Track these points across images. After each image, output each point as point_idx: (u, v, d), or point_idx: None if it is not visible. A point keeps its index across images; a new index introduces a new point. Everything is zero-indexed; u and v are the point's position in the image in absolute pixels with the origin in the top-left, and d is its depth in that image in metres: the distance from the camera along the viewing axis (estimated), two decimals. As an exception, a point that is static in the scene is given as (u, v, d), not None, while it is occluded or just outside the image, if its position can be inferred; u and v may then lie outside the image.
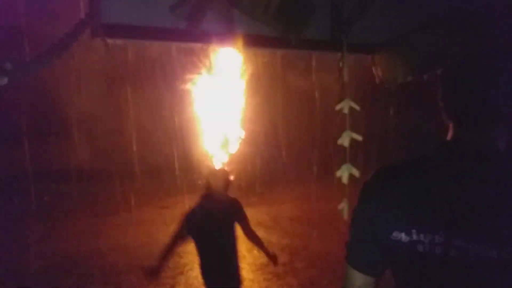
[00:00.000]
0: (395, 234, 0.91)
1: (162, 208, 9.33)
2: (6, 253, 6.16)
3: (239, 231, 2.98)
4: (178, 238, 2.89)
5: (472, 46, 1.35)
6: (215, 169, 3.24)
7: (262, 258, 5.70)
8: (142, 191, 9.80)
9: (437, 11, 1.57)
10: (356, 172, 1.72)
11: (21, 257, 6.02)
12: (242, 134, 11.18)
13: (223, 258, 2.85)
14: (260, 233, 7.20)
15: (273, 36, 1.60)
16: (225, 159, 11.14)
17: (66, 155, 11.65)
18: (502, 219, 0.80)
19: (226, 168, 3.16)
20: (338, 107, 1.73)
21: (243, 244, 6.79)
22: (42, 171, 10.13)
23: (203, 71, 10.61)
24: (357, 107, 1.72)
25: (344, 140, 1.72)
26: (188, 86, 10.76)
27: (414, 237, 0.88)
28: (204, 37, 1.55)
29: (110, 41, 1.54)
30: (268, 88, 12.10)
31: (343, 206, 1.75)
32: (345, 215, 1.73)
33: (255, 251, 6.09)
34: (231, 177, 3.02)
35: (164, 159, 11.79)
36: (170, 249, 2.87)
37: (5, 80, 1.49)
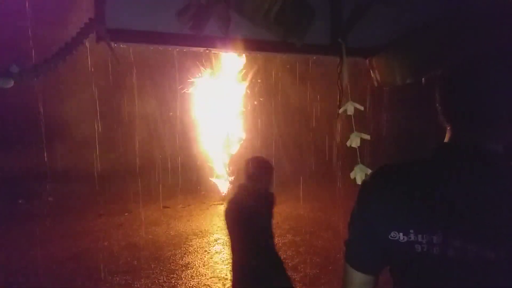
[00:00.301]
0: (393, 234, 0.92)
1: (164, 208, 9.35)
2: (9, 253, 6.20)
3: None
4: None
5: (469, 48, 1.35)
6: (261, 159, 2.70)
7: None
8: (144, 191, 9.83)
9: (434, 14, 1.59)
10: (369, 172, 1.71)
11: (23, 257, 6.06)
12: (243, 135, 11.22)
13: (259, 256, 2.55)
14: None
15: (274, 40, 1.63)
16: (226, 159, 11.18)
17: (69, 155, 11.69)
18: (500, 220, 0.81)
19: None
20: (341, 110, 1.75)
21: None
22: (46, 172, 10.15)
23: (206, 74, 10.68)
24: (361, 108, 1.72)
25: (353, 142, 1.73)
26: (191, 88, 10.82)
27: (412, 237, 0.89)
28: (207, 42, 1.59)
29: (114, 45, 1.57)
30: (268, 90, 12.14)
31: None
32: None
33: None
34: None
35: (166, 160, 11.81)
36: None
37: (11, 83, 1.53)
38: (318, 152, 12.71)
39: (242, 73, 10.61)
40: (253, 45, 1.65)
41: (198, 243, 6.58)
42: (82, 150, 11.46)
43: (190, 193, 10.85)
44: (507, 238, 0.79)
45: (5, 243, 6.74)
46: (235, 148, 11.16)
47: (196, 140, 11.31)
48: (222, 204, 9.75)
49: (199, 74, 10.67)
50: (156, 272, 5.36)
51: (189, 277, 5.21)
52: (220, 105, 10.79)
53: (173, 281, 5.07)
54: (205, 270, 5.43)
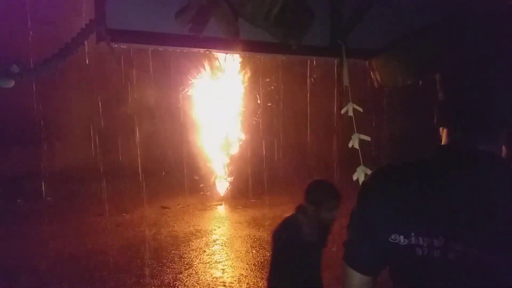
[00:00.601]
0: (393, 236, 0.90)
1: (163, 208, 9.35)
2: (9, 253, 6.19)
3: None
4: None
5: (467, 50, 1.36)
6: (328, 184, 2.39)
7: (261, 257, 5.76)
8: (144, 191, 9.82)
9: (433, 17, 1.60)
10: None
11: (22, 257, 6.05)
12: (242, 136, 11.24)
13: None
14: (260, 233, 7.25)
15: (274, 42, 1.64)
16: (226, 160, 11.20)
17: (69, 155, 11.68)
18: (501, 224, 0.80)
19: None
20: (343, 110, 1.76)
21: (242, 244, 6.81)
22: (45, 172, 10.14)
23: (205, 75, 10.70)
24: (360, 109, 1.74)
25: (354, 142, 1.74)
26: (191, 89, 10.83)
27: (413, 240, 0.88)
28: (207, 43, 1.59)
29: (114, 45, 1.58)
30: (268, 91, 12.15)
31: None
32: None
33: (254, 251, 6.14)
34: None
35: (166, 160, 11.82)
36: None
37: (11, 83, 1.53)
38: (318, 152, 12.71)
39: (242, 73, 10.62)
40: (253, 47, 1.66)
41: (197, 243, 6.56)
42: (81, 150, 11.46)
43: (190, 193, 10.84)
44: (508, 241, 0.79)
45: (3, 242, 6.73)
46: (234, 149, 11.17)
47: (196, 141, 11.32)
48: (221, 204, 9.76)
49: (199, 75, 10.68)
50: (156, 272, 5.36)
51: (189, 277, 5.21)
52: (219, 105, 10.80)
53: (172, 281, 5.07)
54: (204, 270, 5.43)
